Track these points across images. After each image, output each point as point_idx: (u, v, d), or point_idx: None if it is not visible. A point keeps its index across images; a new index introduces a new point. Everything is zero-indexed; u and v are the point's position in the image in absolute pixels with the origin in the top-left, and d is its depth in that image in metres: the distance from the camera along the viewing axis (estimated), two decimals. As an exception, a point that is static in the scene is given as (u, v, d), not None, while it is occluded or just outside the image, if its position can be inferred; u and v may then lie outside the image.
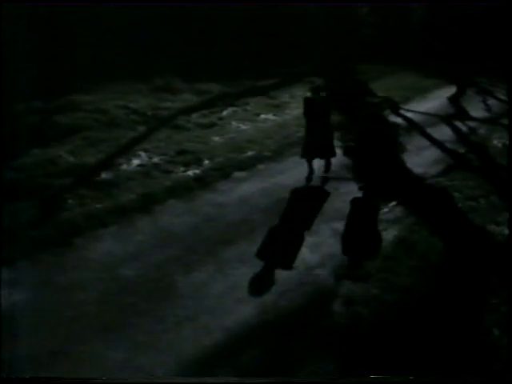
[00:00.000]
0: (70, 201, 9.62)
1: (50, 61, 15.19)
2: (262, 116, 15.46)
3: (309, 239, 8.82)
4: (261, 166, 11.73)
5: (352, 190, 10.36)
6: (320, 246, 8.63)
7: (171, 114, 14.52)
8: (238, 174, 11.20)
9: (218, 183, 10.68)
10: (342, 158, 11.55)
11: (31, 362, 6.08)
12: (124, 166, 11.08)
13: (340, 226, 9.26)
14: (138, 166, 11.18)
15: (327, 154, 11.34)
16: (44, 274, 7.74)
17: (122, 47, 17.61)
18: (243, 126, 14.35)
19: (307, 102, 11.27)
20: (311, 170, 11.27)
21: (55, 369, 6.01)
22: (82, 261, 8.07)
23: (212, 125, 14.14)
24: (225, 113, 15.32)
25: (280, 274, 7.89)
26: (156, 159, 11.49)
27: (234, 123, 14.52)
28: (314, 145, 11.13)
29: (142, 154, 11.71)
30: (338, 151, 11.51)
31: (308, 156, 11.25)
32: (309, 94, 11.63)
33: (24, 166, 10.56)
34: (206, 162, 11.52)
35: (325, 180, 11.23)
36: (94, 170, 10.79)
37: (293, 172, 10.66)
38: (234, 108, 15.86)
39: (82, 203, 9.57)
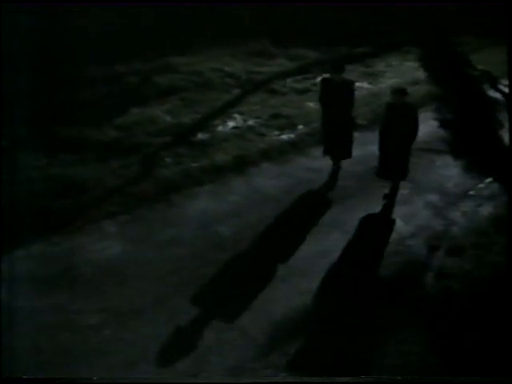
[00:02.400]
0: (167, 159, 9.92)
1: (148, 24, 15.48)
2: (357, 84, 15.17)
3: (402, 210, 8.78)
4: (355, 134, 11.59)
5: (448, 164, 10.17)
6: (413, 218, 8.59)
7: (266, 78, 14.52)
8: (332, 141, 11.14)
9: (311, 148, 10.64)
10: (439, 131, 11.33)
11: (134, 313, 6.43)
12: (219, 128, 11.24)
13: (434, 198, 9.15)
14: (233, 127, 11.31)
15: (341, 154, 9.65)
16: (142, 228, 8.09)
17: (218, 12, 17.69)
18: (337, 94, 14.20)
19: (324, 84, 9.48)
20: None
21: (154, 320, 6.34)
22: (178, 217, 8.38)
23: (306, 90, 14.01)
24: (319, 79, 15.19)
25: (373, 243, 7.96)
26: (251, 122, 11.59)
27: (328, 90, 14.40)
28: (330, 141, 9.55)
29: (237, 116, 11.83)
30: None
31: (326, 155, 9.75)
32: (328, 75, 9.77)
33: (125, 125, 10.91)
34: (301, 126, 11.52)
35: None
36: (190, 130, 11.03)
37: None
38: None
39: (179, 162, 9.85)
